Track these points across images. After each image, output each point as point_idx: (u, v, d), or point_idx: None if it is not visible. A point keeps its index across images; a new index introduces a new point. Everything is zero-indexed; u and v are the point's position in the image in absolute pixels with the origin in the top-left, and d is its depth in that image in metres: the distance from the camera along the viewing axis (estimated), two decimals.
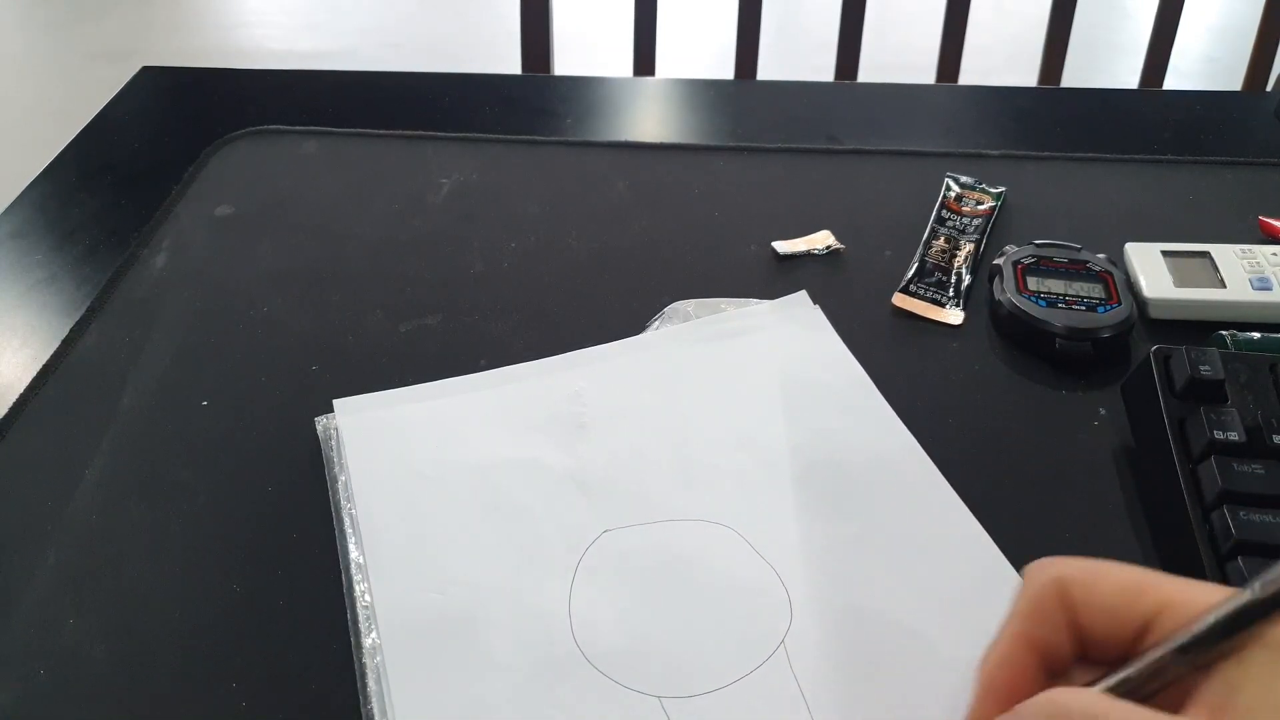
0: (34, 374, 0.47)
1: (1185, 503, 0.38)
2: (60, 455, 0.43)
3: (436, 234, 0.56)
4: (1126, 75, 2.36)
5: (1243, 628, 0.24)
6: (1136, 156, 0.63)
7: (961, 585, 0.37)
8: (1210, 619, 0.25)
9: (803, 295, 0.51)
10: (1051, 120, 0.68)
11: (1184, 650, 0.25)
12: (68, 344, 0.49)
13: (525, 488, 0.41)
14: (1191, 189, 0.60)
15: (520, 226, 0.57)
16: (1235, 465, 0.37)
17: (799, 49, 2.25)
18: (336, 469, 0.42)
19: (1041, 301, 0.48)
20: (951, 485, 0.41)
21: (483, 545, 0.39)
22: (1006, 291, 0.49)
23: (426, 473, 0.41)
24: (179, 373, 0.47)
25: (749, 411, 0.44)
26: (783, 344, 0.48)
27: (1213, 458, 0.38)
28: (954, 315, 0.51)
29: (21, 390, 0.46)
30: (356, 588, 0.37)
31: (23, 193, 0.61)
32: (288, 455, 0.43)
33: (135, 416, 0.45)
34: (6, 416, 0.45)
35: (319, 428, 0.44)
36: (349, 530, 0.39)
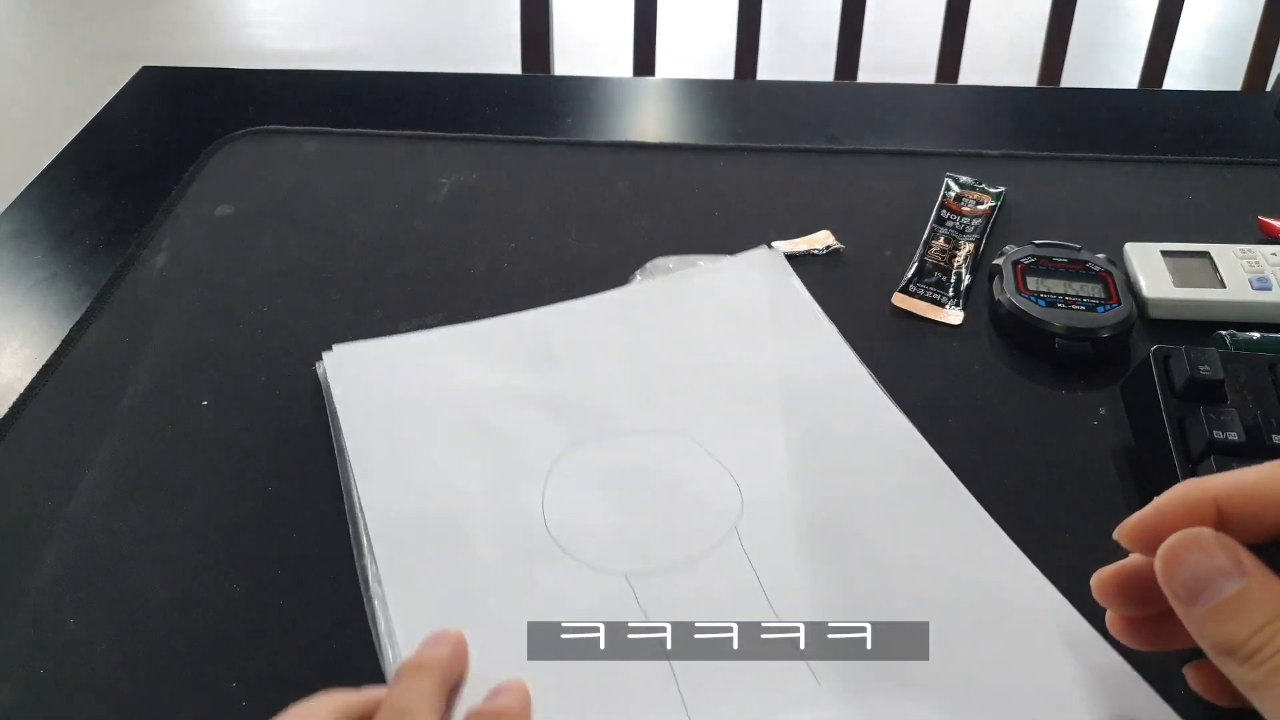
0: (34, 374, 0.47)
1: None
2: (60, 455, 0.43)
3: (436, 234, 0.56)
4: (1126, 75, 2.36)
5: None
6: (1136, 156, 0.63)
7: (894, 479, 0.41)
8: None
9: (766, 249, 0.54)
10: (1051, 120, 0.68)
11: None
12: (68, 344, 0.49)
13: (501, 409, 0.44)
14: (1191, 189, 0.60)
15: (520, 226, 0.57)
16: (1235, 465, 0.37)
17: (799, 49, 2.25)
18: (333, 413, 0.44)
19: (1041, 301, 0.48)
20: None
21: (462, 458, 0.42)
22: (1006, 291, 0.49)
23: (409, 397, 0.45)
24: (179, 372, 0.47)
25: (707, 340, 0.48)
26: (743, 284, 0.52)
27: (1212, 457, 0.38)
28: (954, 315, 0.51)
29: (22, 390, 0.46)
30: (372, 584, 0.38)
31: (23, 193, 0.61)
32: (288, 455, 0.43)
33: (135, 416, 0.45)
34: (7, 416, 0.45)
35: (319, 372, 0.46)
36: (360, 522, 0.40)
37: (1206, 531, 0.27)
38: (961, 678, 0.34)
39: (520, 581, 0.37)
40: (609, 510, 0.40)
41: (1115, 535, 0.30)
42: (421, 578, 0.37)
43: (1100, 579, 0.31)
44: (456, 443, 0.43)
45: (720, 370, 0.46)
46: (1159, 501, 0.29)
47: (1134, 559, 0.30)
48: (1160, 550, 0.28)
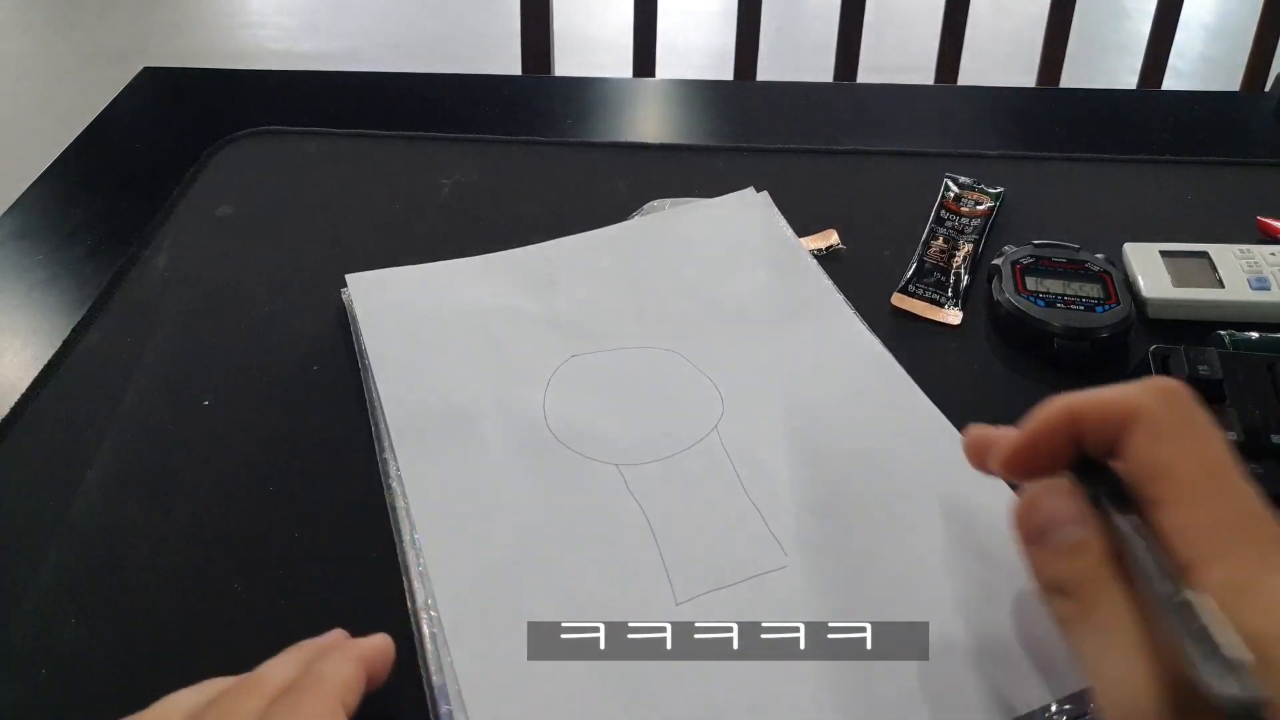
0: (36, 374, 0.47)
1: None
2: (62, 455, 0.43)
3: (437, 234, 0.56)
4: (1125, 75, 2.36)
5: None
6: (1135, 157, 0.63)
7: (856, 384, 0.46)
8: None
9: (754, 191, 0.58)
10: (1050, 120, 0.68)
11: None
12: (69, 344, 0.49)
13: (506, 326, 0.49)
14: (1190, 189, 0.60)
15: (520, 226, 0.57)
16: None
17: (798, 49, 2.25)
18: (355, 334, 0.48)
19: (1040, 301, 0.48)
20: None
21: (473, 365, 0.46)
22: (1005, 291, 0.49)
23: (424, 313, 0.49)
24: (180, 373, 0.47)
25: (696, 268, 0.53)
26: (731, 219, 0.56)
27: None
28: (953, 315, 0.51)
29: (23, 390, 0.47)
30: (392, 475, 0.41)
31: (24, 193, 0.61)
32: (289, 456, 0.43)
33: (137, 416, 0.45)
34: (8, 417, 0.45)
35: (344, 297, 0.50)
36: (381, 421, 0.43)
37: (1063, 481, 0.30)
38: (913, 562, 0.38)
39: (525, 470, 0.41)
40: (602, 411, 0.44)
41: (994, 466, 0.32)
42: (436, 467, 0.41)
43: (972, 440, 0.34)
44: (468, 353, 0.47)
45: (707, 295, 0.51)
46: (1028, 428, 0.31)
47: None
48: (1025, 498, 0.30)
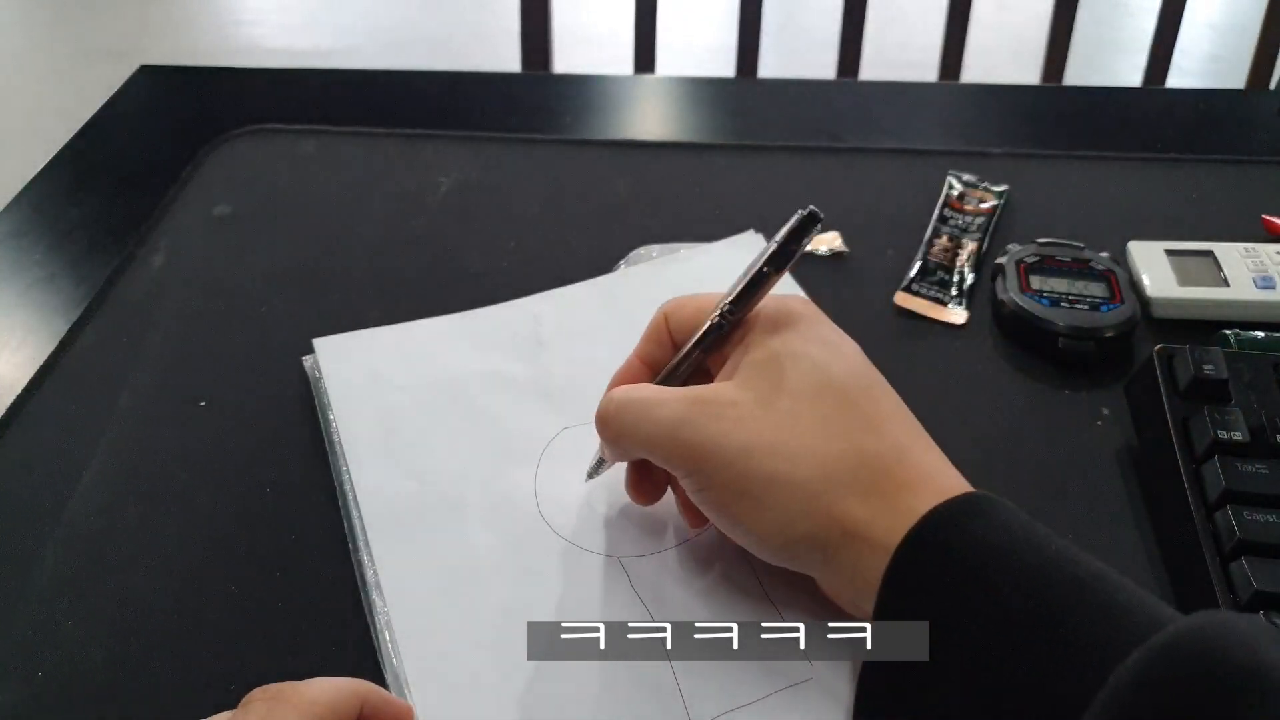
0: (32, 374, 0.47)
1: (1189, 502, 0.37)
2: (58, 455, 0.43)
3: (435, 233, 0.56)
4: (1129, 73, 2.35)
5: (725, 319, 0.35)
6: (1140, 155, 0.63)
7: None
8: (708, 320, 0.36)
9: (751, 234, 0.54)
10: (1054, 118, 0.68)
11: (699, 342, 0.36)
12: (65, 344, 0.49)
13: (491, 394, 0.45)
14: (1195, 187, 0.60)
15: (519, 225, 0.57)
16: (1239, 465, 0.37)
17: (800, 46, 2.25)
18: (321, 405, 0.44)
19: (1044, 300, 0.48)
20: None
21: (454, 443, 0.43)
22: (1009, 290, 0.49)
23: (400, 384, 0.45)
24: (177, 372, 0.47)
25: None
26: (722, 266, 0.51)
27: (1216, 457, 0.37)
28: (957, 314, 0.50)
29: (19, 390, 0.46)
30: (368, 575, 0.37)
31: (21, 192, 0.61)
32: (287, 454, 0.43)
33: (133, 416, 0.45)
34: (4, 416, 0.45)
35: (306, 365, 0.46)
36: (358, 530, 0.39)
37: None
38: None
39: (515, 566, 0.38)
40: (600, 495, 0.40)
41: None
42: (416, 566, 0.38)
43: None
44: (448, 429, 0.43)
45: None
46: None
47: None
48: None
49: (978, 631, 0.28)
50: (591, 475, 0.40)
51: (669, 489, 0.39)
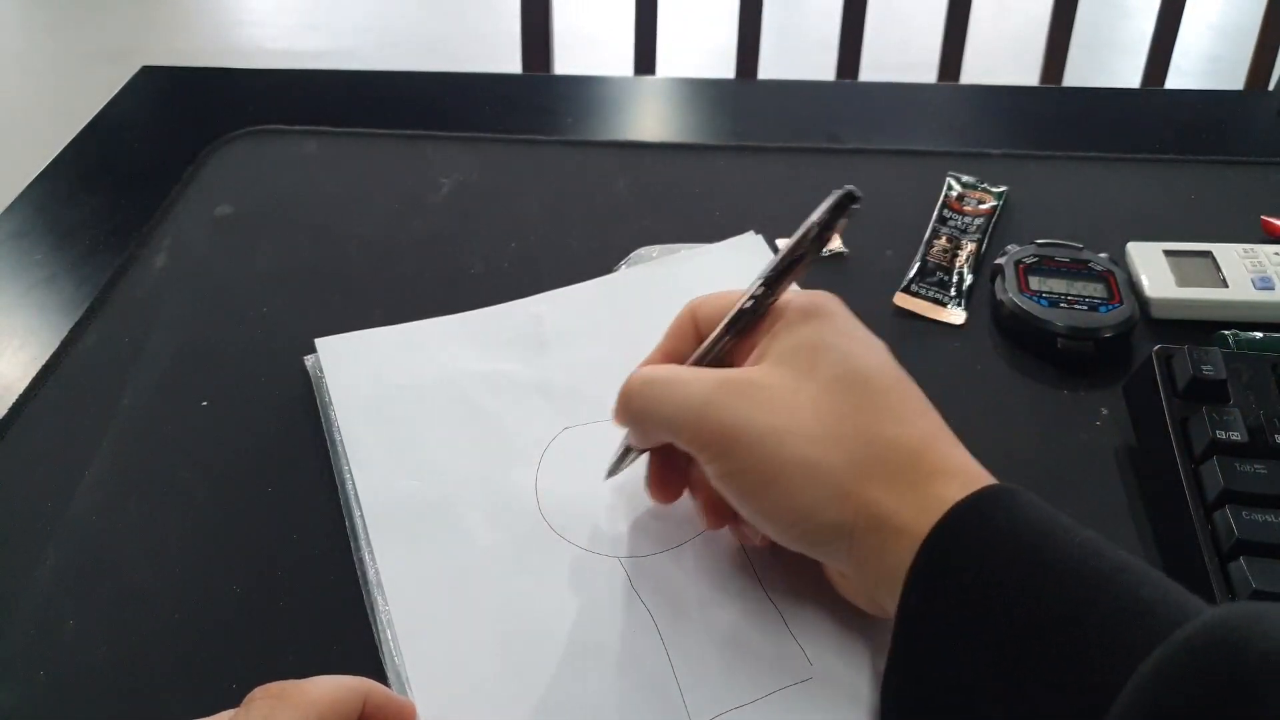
0: (34, 374, 0.47)
1: (1187, 502, 0.37)
2: (60, 455, 0.43)
3: (436, 234, 0.56)
4: (1129, 74, 2.35)
5: (759, 303, 0.35)
6: (1138, 156, 0.63)
7: None
8: (739, 304, 0.35)
9: (751, 234, 0.54)
10: (1053, 119, 0.68)
11: (730, 325, 0.35)
12: (67, 344, 0.49)
13: (492, 395, 0.45)
14: (1194, 188, 0.60)
15: (520, 226, 0.57)
16: (1237, 465, 0.37)
17: (800, 48, 2.25)
18: (323, 401, 0.44)
19: (1043, 301, 0.48)
20: None
21: (455, 443, 0.42)
22: (1008, 291, 0.49)
23: (401, 386, 0.45)
24: (179, 373, 0.47)
25: None
26: (725, 267, 0.52)
27: (1215, 458, 0.38)
28: (956, 315, 0.50)
29: (21, 390, 0.46)
30: (369, 575, 0.37)
31: (23, 192, 0.61)
32: (289, 455, 0.43)
33: (135, 416, 0.45)
34: (6, 417, 0.45)
35: (307, 365, 0.46)
36: (359, 529, 0.39)
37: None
38: None
39: (515, 567, 0.38)
40: (600, 496, 0.40)
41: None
42: (417, 565, 0.38)
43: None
44: (450, 429, 0.43)
45: None
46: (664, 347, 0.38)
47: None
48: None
49: (1002, 628, 0.28)
50: (613, 472, 0.39)
51: (685, 491, 0.38)
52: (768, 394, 0.33)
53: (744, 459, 0.32)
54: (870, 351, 0.34)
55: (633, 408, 0.35)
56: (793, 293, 0.36)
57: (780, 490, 0.32)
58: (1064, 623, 0.27)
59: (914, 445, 0.32)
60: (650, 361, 0.38)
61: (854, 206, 0.34)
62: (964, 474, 0.32)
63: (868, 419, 0.32)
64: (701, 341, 0.37)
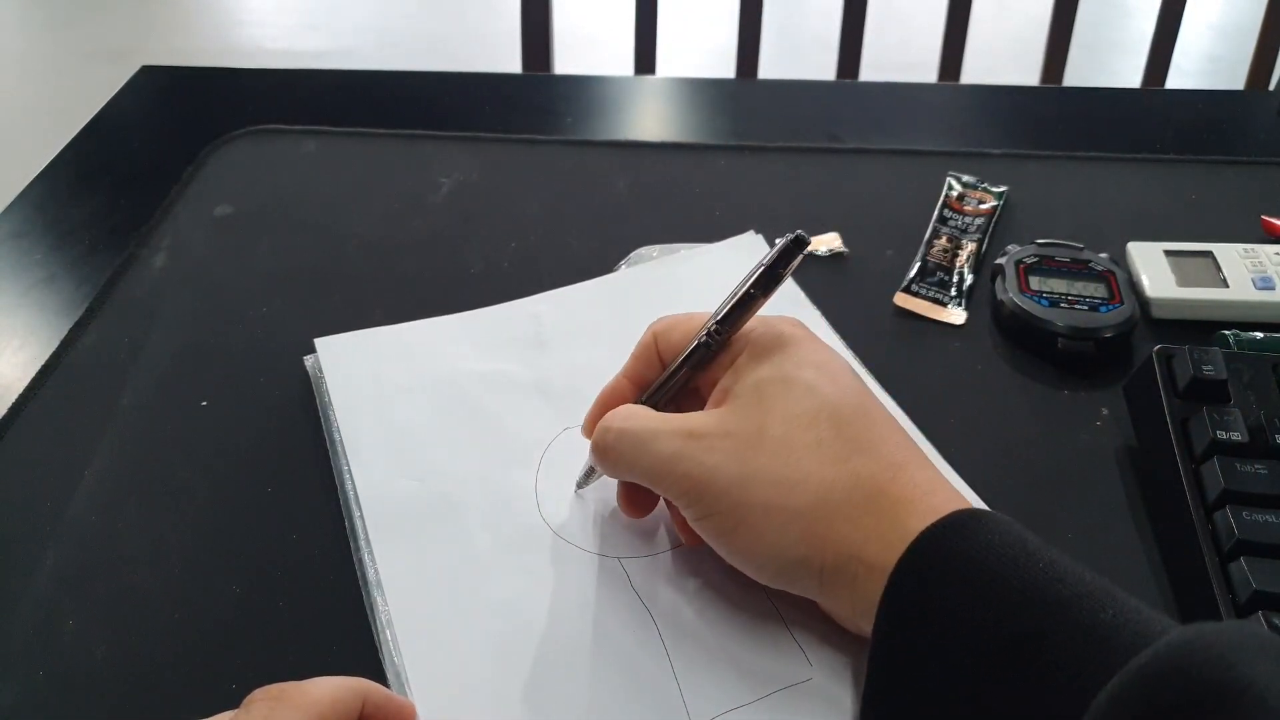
0: (33, 374, 0.47)
1: (1188, 503, 0.37)
2: (60, 455, 0.43)
3: (436, 234, 0.56)
4: (1129, 74, 2.35)
5: (713, 339, 0.36)
6: (1139, 156, 0.63)
7: None
8: (696, 338, 0.36)
9: (751, 234, 0.55)
10: (1054, 119, 0.68)
11: (686, 360, 0.36)
12: (67, 344, 0.49)
13: (492, 395, 0.45)
14: (1194, 188, 0.60)
15: (520, 226, 0.57)
16: (1238, 465, 0.37)
17: (800, 47, 2.25)
18: (323, 401, 0.45)
19: (1044, 301, 0.48)
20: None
21: (455, 443, 0.43)
22: (1009, 291, 0.49)
23: (401, 383, 0.45)
24: (178, 373, 0.47)
25: None
26: (725, 267, 0.51)
27: (1215, 458, 0.38)
28: (956, 315, 0.50)
29: (21, 390, 0.46)
30: (369, 574, 0.37)
31: (22, 192, 0.61)
32: (288, 455, 0.43)
33: (135, 416, 0.45)
34: (6, 417, 0.45)
35: (307, 365, 0.46)
36: (359, 530, 0.39)
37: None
38: None
39: (515, 566, 0.38)
40: (601, 496, 0.40)
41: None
42: (417, 565, 0.38)
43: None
44: (449, 429, 0.43)
45: None
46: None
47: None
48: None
49: (965, 658, 0.28)
50: (581, 486, 0.40)
51: (661, 501, 0.39)
52: (732, 442, 0.33)
53: (712, 506, 0.33)
54: (831, 381, 0.35)
55: (607, 461, 0.36)
56: (757, 320, 0.37)
57: (749, 533, 0.33)
58: (1023, 651, 0.28)
59: (880, 475, 0.33)
60: (615, 387, 0.39)
61: (801, 254, 0.35)
62: (931, 499, 0.32)
63: (832, 454, 0.33)
64: (664, 367, 0.38)
